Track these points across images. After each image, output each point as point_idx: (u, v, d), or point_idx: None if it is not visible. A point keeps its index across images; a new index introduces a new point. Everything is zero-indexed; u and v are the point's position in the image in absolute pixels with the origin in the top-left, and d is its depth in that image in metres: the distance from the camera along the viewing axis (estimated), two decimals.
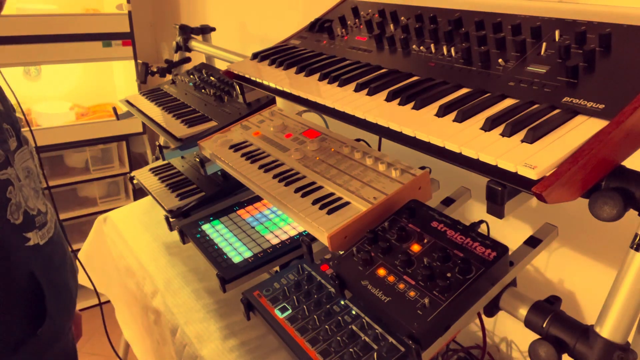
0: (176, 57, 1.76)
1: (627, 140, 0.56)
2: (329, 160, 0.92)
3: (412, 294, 0.64)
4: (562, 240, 0.78)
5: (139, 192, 1.84)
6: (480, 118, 0.64)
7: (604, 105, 0.58)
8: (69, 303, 0.97)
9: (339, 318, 0.82)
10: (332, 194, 0.83)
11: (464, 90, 0.73)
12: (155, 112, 1.39)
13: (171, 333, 1.10)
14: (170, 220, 1.19)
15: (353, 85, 0.81)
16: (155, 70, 1.74)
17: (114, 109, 1.62)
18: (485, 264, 0.64)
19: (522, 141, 0.58)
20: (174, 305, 1.14)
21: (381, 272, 0.68)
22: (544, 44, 0.70)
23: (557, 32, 0.71)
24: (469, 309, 0.64)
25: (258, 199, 1.20)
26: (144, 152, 2.73)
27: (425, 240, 0.70)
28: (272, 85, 0.92)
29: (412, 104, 0.71)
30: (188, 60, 1.77)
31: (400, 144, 0.68)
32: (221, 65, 1.48)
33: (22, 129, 0.93)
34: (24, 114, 0.88)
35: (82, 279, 1.19)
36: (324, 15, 1.12)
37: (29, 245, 0.87)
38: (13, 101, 0.90)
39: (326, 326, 0.80)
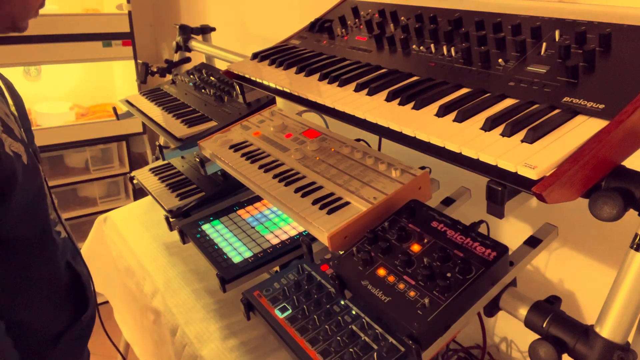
0: (176, 57, 1.76)
1: (627, 140, 0.56)
2: (329, 160, 0.92)
3: (412, 294, 0.64)
4: (562, 240, 0.79)
5: (139, 192, 1.84)
6: (480, 118, 0.64)
7: (604, 105, 0.58)
8: (94, 288, 1.04)
9: (339, 318, 0.82)
10: (332, 194, 0.83)
11: (464, 90, 0.73)
12: (155, 112, 1.39)
13: (171, 333, 1.10)
14: (170, 220, 1.19)
15: (353, 85, 0.81)
16: (155, 70, 1.74)
17: (114, 109, 1.62)
18: (485, 264, 0.64)
19: (522, 141, 0.58)
20: (173, 305, 1.14)
21: (381, 272, 0.68)
22: (544, 44, 0.70)
23: (557, 32, 0.71)
24: (469, 309, 0.64)
25: (258, 199, 1.20)
26: (144, 152, 2.73)
27: (425, 240, 0.70)
28: (272, 85, 0.91)
29: (412, 104, 0.71)
30: (188, 60, 1.77)
31: (400, 144, 0.68)
32: (221, 65, 1.48)
33: None
34: None
35: None
36: (324, 15, 1.12)
37: (63, 238, 0.93)
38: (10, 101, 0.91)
39: (326, 326, 0.80)
